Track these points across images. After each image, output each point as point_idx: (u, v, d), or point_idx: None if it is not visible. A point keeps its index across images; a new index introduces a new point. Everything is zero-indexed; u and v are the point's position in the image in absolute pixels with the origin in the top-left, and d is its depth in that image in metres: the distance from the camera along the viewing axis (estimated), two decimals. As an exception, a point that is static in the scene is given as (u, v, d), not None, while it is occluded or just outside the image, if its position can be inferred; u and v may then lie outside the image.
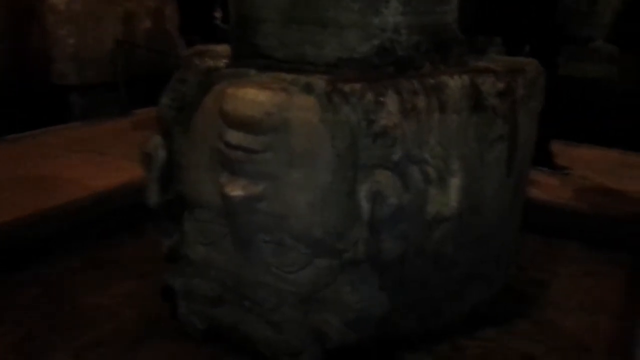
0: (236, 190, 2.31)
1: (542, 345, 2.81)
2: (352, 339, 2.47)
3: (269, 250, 2.41)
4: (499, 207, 2.72)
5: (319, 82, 2.27)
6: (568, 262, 3.64)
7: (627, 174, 4.74)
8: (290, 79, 2.34)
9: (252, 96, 2.26)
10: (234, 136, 2.30)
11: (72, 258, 3.49)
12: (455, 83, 2.43)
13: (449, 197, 2.38)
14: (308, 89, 2.28)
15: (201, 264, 2.64)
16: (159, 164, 2.73)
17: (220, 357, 2.67)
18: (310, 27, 2.45)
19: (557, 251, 3.75)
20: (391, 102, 2.23)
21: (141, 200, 2.80)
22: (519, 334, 2.89)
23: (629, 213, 3.98)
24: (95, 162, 4.68)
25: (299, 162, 2.25)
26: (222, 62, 2.67)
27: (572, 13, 5.32)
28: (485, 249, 2.75)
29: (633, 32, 6.54)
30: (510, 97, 2.59)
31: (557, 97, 4.39)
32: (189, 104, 2.64)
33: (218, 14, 6.25)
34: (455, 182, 2.39)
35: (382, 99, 2.22)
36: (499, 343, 2.82)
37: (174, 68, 2.79)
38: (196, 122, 2.56)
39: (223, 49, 2.81)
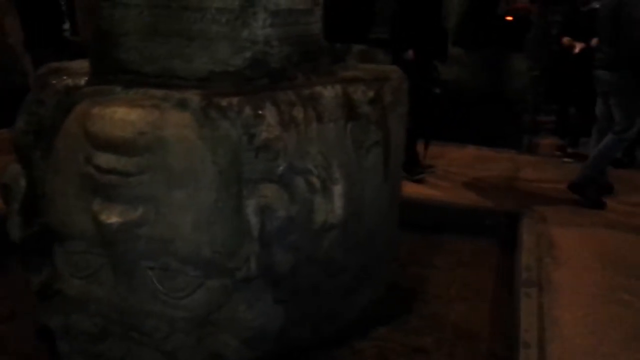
0: (112, 217, 2.16)
1: (430, 337, 2.95)
2: (251, 357, 2.42)
3: (154, 277, 2.28)
4: (379, 210, 2.81)
5: (194, 97, 2.19)
6: (443, 254, 3.85)
7: (482, 166, 5.16)
8: (162, 95, 2.23)
9: (122, 115, 2.13)
10: (105, 159, 2.15)
11: None
12: (329, 93, 2.47)
13: (333, 205, 2.40)
14: (182, 105, 2.19)
15: (79, 299, 2.44)
16: (19, 195, 2.50)
17: (108, 395, 2.49)
18: (177, 40, 2.36)
19: (432, 245, 3.95)
20: (270, 114, 2.21)
21: (2, 235, 2.55)
22: (408, 329, 3.01)
23: (493, 204, 4.30)
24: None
25: (179, 182, 2.16)
26: (82, 80, 2.49)
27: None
28: (370, 251, 2.82)
29: (476, 34, 7.08)
30: (380, 104, 2.69)
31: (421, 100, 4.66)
32: (47, 127, 2.43)
33: (67, 26, 5.87)
34: (338, 190, 2.42)
35: (260, 112, 2.19)
36: (391, 340, 2.91)
37: (19, 86, 2.57)
38: (58, 147, 2.36)
39: (80, 65, 2.63)
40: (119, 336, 2.44)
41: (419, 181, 4.75)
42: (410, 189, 4.23)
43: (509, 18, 7.43)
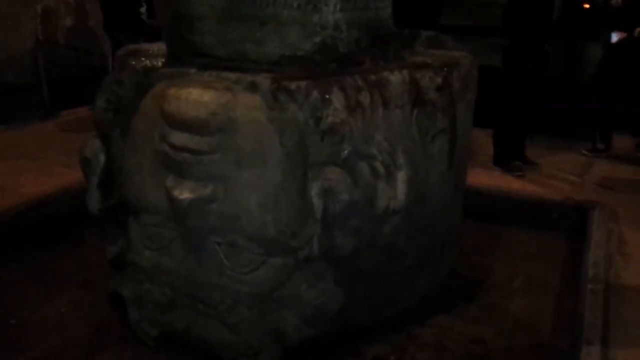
0: (185, 193, 2.27)
1: (490, 328, 2.92)
2: (311, 334, 2.49)
3: (222, 252, 2.38)
4: (443, 197, 2.80)
5: (264, 80, 2.26)
6: (508, 246, 3.79)
7: (553, 158, 5.00)
8: (234, 78, 2.32)
9: (196, 96, 2.22)
10: (179, 138, 2.26)
11: (11, 270, 3.33)
12: (396, 78, 2.48)
13: (396, 191, 2.42)
14: (253, 87, 2.26)
15: (151, 270, 2.58)
16: (99, 169, 2.64)
17: (175, 362, 2.62)
18: (250, 24, 2.43)
19: (497, 236, 3.90)
20: (337, 99, 2.25)
21: (79, 207, 2.71)
22: (467, 318, 2.99)
23: (562, 197, 4.19)
24: (27, 168, 4.47)
25: (248, 162, 2.24)
26: (159, 62, 2.60)
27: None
28: (431, 238, 2.82)
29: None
30: (448, 91, 2.67)
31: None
32: (126, 106, 2.56)
33: (143, 10, 6.07)
34: (401, 176, 2.43)
35: (327, 96, 2.23)
36: (450, 329, 2.91)
37: (98, 67, 2.70)
38: (136, 125, 2.49)
39: (158, 47, 2.74)
40: (186, 307, 2.57)
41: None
42: (476, 179, 4.19)
43: (586, 5, 7.10)
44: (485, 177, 4.49)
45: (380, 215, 2.43)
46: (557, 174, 4.75)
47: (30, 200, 3.81)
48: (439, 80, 2.60)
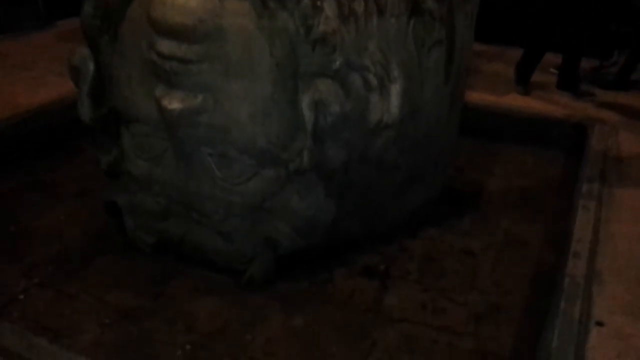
0: (174, 103, 2.24)
1: (479, 241, 2.98)
2: (302, 244, 2.54)
3: (213, 163, 2.38)
4: (438, 112, 2.76)
5: (253, -14, 2.16)
6: (505, 163, 3.78)
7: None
8: (222, -17, 2.22)
9: (182, 2, 2.14)
10: (167, 45, 2.19)
11: (9, 179, 3.37)
12: (393, -15, 2.37)
13: (390, 104, 2.38)
14: (241, -7, 2.17)
15: (144, 179, 2.60)
16: (88, 78, 2.58)
17: (171, 268, 2.71)
18: None
19: (495, 153, 3.88)
20: (329, 6, 2.16)
21: (74, 117, 2.69)
22: (458, 232, 3.04)
23: (561, 114, 4.13)
24: (21, 78, 4.41)
25: (237, 72, 2.19)
26: (147, -34, 2.49)
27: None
28: (425, 153, 2.81)
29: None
30: (447, 1, 2.56)
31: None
32: (114, 12, 2.47)
33: None
34: (395, 89, 2.38)
35: (319, 3, 2.14)
36: (440, 241, 2.97)
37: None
38: (124, 32, 2.41)
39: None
40: (181, 216, 2.61)
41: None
42: (478, 96, 4.12)
43: None
44: (488, 95, 4.42)
45: (373, 128, 2.40)
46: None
47: (26, 110, 3.79)
48: (438, -12, 2.49)
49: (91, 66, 2.55)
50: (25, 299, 2.52)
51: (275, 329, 2.39)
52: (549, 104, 4.36)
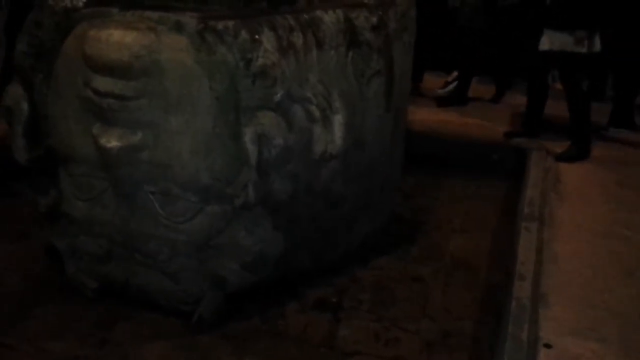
0: (112, 141, 2.19)
1: (429, 267, 2.99)
2: (251, 280, 2.50)
3: (156, 202, 2.33)
4: (381, 140, 2.79)
5: (190, 20, 2.15)
6: (449, 187, 3.85)
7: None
8: (157, 18, 2.19)
9: (118, 38, 2.11)
10: (103, 82, 2.15)
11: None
12: (330, 18, 2.41)
13: (333, 135, 2.39)
14: (178, 27, 2.15)
15: (84, 221, 2.51)
16: (23, 118, 2.51)
17: (116, 312, 2.60)
18: (175, -41, 2.31)
19: (439, 177, 3.95)
20: (267, 39, 2.17)
21: (8, 158, 2.59)
22: (408, 259, 3.06)
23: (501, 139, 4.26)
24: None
25: (176, 108, 2.16)
26: (80, 2, 2.44)
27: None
28: (371, 181, 2.83)
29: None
30: (384, 31, 2.62)
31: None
32: (47, 49, 2.41)
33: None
34: (338, 120, 2.40)
35: (257, 36, 2.15)
36: (390, 269, 2.97)
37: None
38: (58, 69, 2.36)
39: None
40: (124, 257, 2.52)
41: None
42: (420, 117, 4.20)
43: None
44: (429, 118, 4.52)
45: (317, 159, 2.41)
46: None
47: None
48: (374, 19, 2.54)
49: (25, 106, 2.48)
50: (-42, 353, 2.38)
51: (227, 370, 2.32)
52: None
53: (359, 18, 2.49)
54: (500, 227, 3.36)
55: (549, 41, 3.85)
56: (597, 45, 3.87)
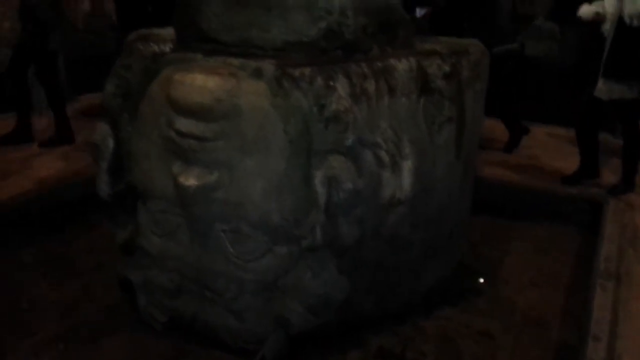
0: (190, 180, 2.28)
1: (498, 322, 2.89)
2: (315, 323, 2.48)
3: (227, 240, 2.39)
4: (450, 188, 2.77)
5: (268, 66, 2.25)
6: (519, 238, 3.74)
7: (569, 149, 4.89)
8: (239, 64, 2.31)
9: (201, 82, 2.22)
10: (184, 124, 2.26)
11: (23, 253, 3.39)
12: (403, 66, 2.45)
13: (402, 180, 2.40)
14: (257, 73, 2.25)
15: (158, 256, 2.60)
16: (108, 154, 2.66)
17: (182, 347, 2.65)
18: (255, 9, 2.41)
19: (508, 228, 3.85)
20: (341, 86, 2.23)
21: (91, 192, 2.73)
22: (475, 311, 2.96)
23: (576, 190, 4.12)
24: (41, 152, 4.53)
25: (252, 149, 2.23)
26: (167, 47, 2.61)
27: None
28: (438, 229, 2.80)
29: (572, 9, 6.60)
30: (456, 79, 2.63)
31: None
32: (134, 91, 2.57)
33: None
34: (407, 165, 2.41)
35: (332, 83, 2.22)
36: (456, 321, 2.89)
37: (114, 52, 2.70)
38: (143, 110, 2.50)
39: (167, 32, 2.74)
40: (193, 293, 2.58)
41: None
42: (489, 171, 4.14)
43: None
44: (498, 169, 4.44)
45: (385, 205, 2.41)
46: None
47: (44, 184, 3.86)
48: (446, 68, 2.56)
49: (111, 143, 2.63)
50: (33, 378, 2.48)
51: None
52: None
53: (432, 66, 2.52)
54: (574, 283, 3.22)
55: (606, 90, 3.92)
56: None
